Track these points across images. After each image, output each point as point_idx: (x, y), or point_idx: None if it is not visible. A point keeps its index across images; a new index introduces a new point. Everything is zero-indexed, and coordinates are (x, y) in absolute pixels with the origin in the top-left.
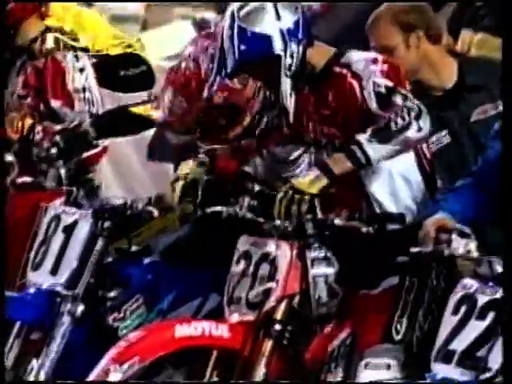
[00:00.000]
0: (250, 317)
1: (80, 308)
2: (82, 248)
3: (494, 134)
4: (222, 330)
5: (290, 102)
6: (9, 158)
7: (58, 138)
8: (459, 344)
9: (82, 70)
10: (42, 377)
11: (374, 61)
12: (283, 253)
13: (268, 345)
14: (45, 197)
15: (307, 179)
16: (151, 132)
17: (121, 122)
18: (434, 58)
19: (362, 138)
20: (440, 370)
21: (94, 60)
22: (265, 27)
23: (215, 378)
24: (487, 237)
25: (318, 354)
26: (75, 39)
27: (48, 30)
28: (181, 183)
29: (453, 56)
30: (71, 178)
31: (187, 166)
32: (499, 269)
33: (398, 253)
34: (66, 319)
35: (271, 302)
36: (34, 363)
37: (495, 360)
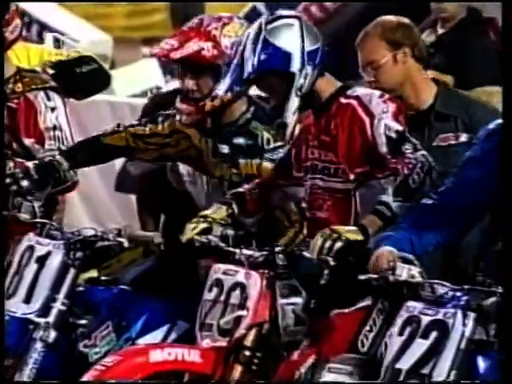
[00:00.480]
0: (221, 343)
1: (52, 335)
2: (54, 277)
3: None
4: (193, 356)
5: (291, 120)
6: None
7: (31, 170)
8: (405, 363)
9: (53, 109)
10: None
11: (382, 97)
12: (254, 282)
13: (238, 370)
14: (19, 229)
15: (346, 228)
16: (119, 162)
17: (92, 152)
18: (417, 77)
19: (388, 199)
20: None
21: (52, 71)
22: (288, 44)
23: None
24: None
25: (285, 380)
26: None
27: (19, 71)
28: (201, 226)
29: (434, 81)
30: (44, 211)
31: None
32: (441, 291)
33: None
34: (39, 345)
35: (241, 330)
36: None
37: (439, 376)
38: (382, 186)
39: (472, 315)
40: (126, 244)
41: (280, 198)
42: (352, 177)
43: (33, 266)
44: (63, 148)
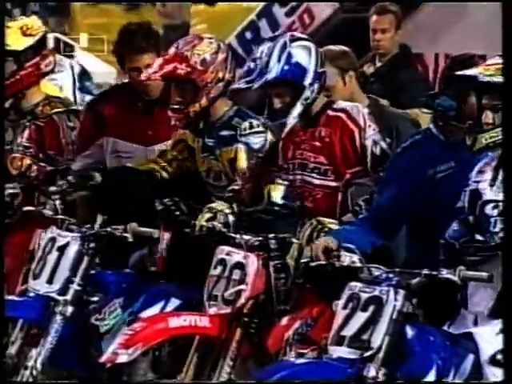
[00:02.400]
0: (226, 311)
1: (69, 310)
2: (72, 263)
3: (385, 180)
4: (204, 321)
5: (291, 122)
6: (12, 190)
7: (69, 177)
8: (348, 330)
9: (72, 129)
10: (39, 362)
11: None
12: (251, 262)
13: (239, 332)
14: (43, 223)
15: (328, 220)
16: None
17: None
18: (359, 98)
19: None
20: (334, 351)
21: None
22: (305, 62)
23: (195, 359)
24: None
25: (277, 340)
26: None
27: (47, 98)
28: (207, 216)
29: (368, 98)
30: (64, 209)
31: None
32: (377, 273)
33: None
34: (59, 318)
35: (242, 300)
36: (33, 352)
37: (376, 341)
38: (368, 184)
39: (402, 292)
40: (130, 238)
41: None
42: (346, 176)
43: (54, 254)
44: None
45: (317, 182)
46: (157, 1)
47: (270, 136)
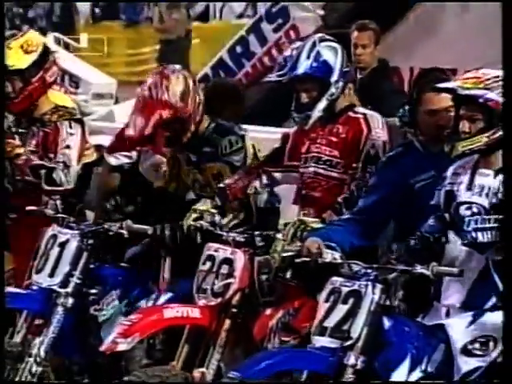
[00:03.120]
0: (215, 302)
1: (70, 301)
2: (72, 258)
3: (371, 185)
4: (195, 312)
5: (316, 115)
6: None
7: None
8: (330, 322)
9: (71, 134)
10: (42, 350)
11: (383, 122)
12: (239, 257)
13: (227, 323)
14: (44, 221)
15: (311, 219)
16: None
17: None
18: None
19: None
20: (317, 341)
21: None
22: (332, 61)
23: (186, 348)
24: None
25: (262, 328)
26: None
27: (55, 107)
28: (194, 216)
29: None
30: (64, 208)
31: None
32: (356, 269)
33: None
34: (60, 309)
35: (230, 293)
36: (37, 340)
37: (355, 332)
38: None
39: (379, 286)
40: (125, 235)
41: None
42: (350, 170)
43: (56, 249)
44: (68, 162)
45: (327, 173)
46: (158, 0)
47: (249, 148)
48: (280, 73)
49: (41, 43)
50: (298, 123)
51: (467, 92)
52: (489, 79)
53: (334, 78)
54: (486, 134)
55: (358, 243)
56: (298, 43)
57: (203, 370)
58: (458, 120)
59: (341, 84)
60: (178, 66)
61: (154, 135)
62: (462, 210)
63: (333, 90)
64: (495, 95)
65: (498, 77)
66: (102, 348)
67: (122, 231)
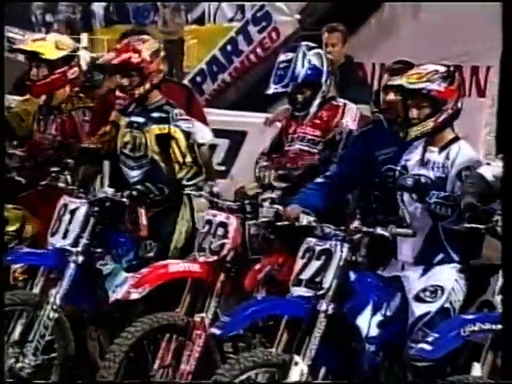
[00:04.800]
0: (212, 259)
1: (80, 258)
2: (81, 223)
3: (343, 155)
4: (195, 267)
5: (312, 110)
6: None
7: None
8: (305, 275)
9: (86, 121)
10: (58, 299)
11: (357, 110)
12: (232, 222)
13: (222, 275)
14: (57, 193)
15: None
16: None
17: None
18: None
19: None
20: (295, 291)
21: None
22: (320, 64)
23: (188, 297)
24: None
25: (252, 281)
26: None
27: (70, 97)
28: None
29: None
30: (73, 181)
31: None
32: (327, 231)
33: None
34: (72, 265)
35: (224, 251)
36: (53, 291)
37: (326, 283)
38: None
39: (346, 245)
40: (126, 202)
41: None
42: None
43: (67, 216)
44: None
45: (310, 150)
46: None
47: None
48: (283, 84)
49: (71, 45)
50: (299, 118)
51: (412, 86)
52: (429, 73)
53: (324, 78)
54: (433, 119)
55: (329, 204)
56: (291, 55)
57: (202, 315)
58: (407, 109)
59: (329, 82)
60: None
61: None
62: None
63: (324, 88)
64: (436, 86)
65: (437, 71)
66: (118, 297)
67: (123, 199)
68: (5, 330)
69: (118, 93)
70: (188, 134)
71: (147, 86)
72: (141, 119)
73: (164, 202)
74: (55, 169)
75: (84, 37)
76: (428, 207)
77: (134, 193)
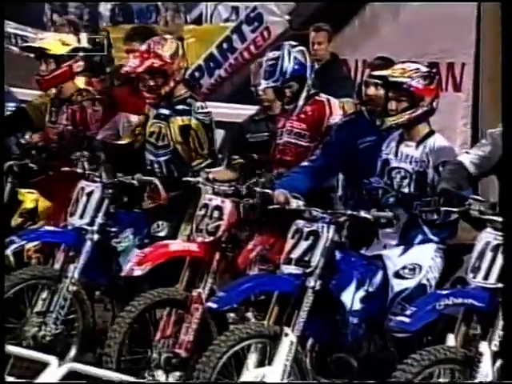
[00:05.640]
0: (208, 239)
1: (96, 236)
2: (96, 204)
3: (328, 141)
4: (193, 247)
5: (300, 104)
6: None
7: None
8: (295, 254)
9: (96, 111)
10: (76, 274)
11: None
12: (227, 205)
13: (218, 254)
14: (75, 178)
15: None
16: None
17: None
18: None
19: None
20: (285, 268)
21: None
22: (304, 60)
23: (187, 274)
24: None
25: (245, 259)
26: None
27: (79, 90)
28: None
29: None
30: (90, 167)
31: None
32: (315, 214)
33: None
34: (88, 243)
35: (220, 232)
36: (72, 266)
37: (314, 261)
38: None
39: (332, 227)
40: (136, 184)
41: None
42: (314, 140)
43: (84, 198)
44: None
45: (297, 142)
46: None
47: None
48: (273, 79)
49: (75, 41)
50: (288, 111)
51: (395, 79)
52: (412, 70)
53: (308, 72)
54: (408, 112)
55: (313, 185)
56: (277, 53)
57: (200, 290)
58: (387, 100)
59: (313, 76)
60: (175, 38)
61: (138, 80)
62: (394, 174)
63: (309, 81)
64: (416, 83)
65: (419, 69)
66: (123, 273)
67: (133, 181)
68: (28, 302)
69: (145, 94)
70: (208, 127)
71: (171, 83)
72: (166, 111)
73: (179, 188)
74: (75, 156)
75: (83, 37)
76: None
77: (155, 179)
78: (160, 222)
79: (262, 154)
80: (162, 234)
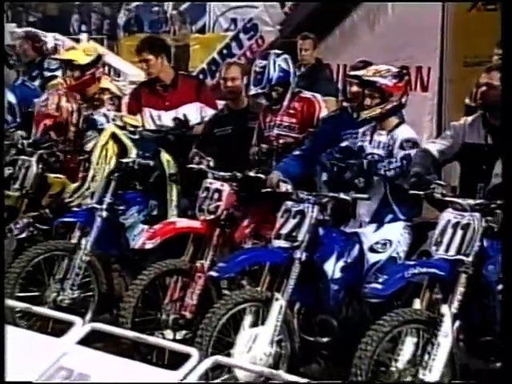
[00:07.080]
0: (209, 217)
1: (105, 213)
2: (104, 185)
3: (315, 133)
4: (196, 224)
5: (286, 103)
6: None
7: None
8: (284, 230)
9: (113, 105)
10: (88, 246)
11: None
12: (225, 188)
13: (217, 230)
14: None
15: None
16: None
17: None
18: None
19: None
20: (275, 243)
21: None
22: (287, 67)
23: (191, 248)
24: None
25: (241, 235)
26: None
27: (101, 89)
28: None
29: None
30: None
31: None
32: (301, 196)
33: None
34: (98, 219)
35: (219, 211)
36: (84, 240)
37: (300, 237)
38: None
39: (316, 207)
40: (151, 164)
41: None
42: (304, 132)
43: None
44: None
45: (287, 134)
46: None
47: None
48: (261, 86)
49: (97, 51)
50: (273, 110)
51: (368, 78)
52: (383, 70)
53: (292, 77)
54: (380, 107)
55: (303, 171)
56: (264, 62)
57: (202, 261)
58: (363, 97)
59: (296, 80)
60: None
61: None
62: (369, 158)
63: (292, 85)
64: (386, 80)
65: (389, 69)
66: (136, 246)
67: (148, 162)
68: (51, 271)
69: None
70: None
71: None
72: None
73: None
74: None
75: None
76: (381, 176)
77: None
78: (154, 203)
79: (229, 145)
80: (154, 212)
